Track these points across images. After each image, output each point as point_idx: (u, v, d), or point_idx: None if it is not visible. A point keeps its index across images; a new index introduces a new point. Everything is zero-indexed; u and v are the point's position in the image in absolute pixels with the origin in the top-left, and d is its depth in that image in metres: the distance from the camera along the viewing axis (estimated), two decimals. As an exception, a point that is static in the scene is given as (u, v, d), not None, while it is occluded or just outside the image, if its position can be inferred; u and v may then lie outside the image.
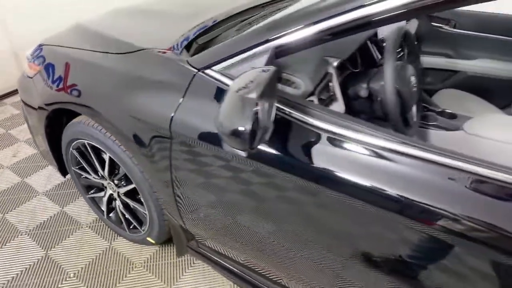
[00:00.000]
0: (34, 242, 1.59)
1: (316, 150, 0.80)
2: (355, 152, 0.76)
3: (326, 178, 0.79)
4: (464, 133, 1.27)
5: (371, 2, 0.69)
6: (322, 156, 0.79)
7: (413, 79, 1.08)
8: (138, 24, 1.40)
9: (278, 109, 0.84)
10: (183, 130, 0.96)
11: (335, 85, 1.00)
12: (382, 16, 0.69)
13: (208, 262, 1.34)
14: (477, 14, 1.84)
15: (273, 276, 1.18)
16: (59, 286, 1.43)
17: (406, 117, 1.11)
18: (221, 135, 0.69)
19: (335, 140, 0.78)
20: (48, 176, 1.97)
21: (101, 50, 1.20)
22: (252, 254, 1.17)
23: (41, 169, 2.03)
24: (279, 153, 0.84)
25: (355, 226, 0.83)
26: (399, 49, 1.27)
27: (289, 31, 0.79)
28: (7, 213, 1.74)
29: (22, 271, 1.47)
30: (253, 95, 0.63)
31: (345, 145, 0.78)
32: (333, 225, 0.87)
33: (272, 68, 0.72)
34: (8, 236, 1.62)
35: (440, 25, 1.91)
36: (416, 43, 1.33)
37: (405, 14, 0.68)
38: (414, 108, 1.16)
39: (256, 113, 0.64)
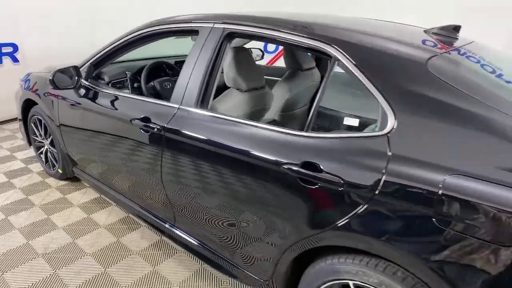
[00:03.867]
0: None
1: (104, 100, 2.04)
2: (109, 99, 2.02)
3: (109, 110, 2.02)
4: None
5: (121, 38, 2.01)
6: (107, 102, 2.00)
7: (166, 84, 2.38)
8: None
9: (91, 87, 2.14)
10: (64, 94, 2.28)
11: (128, 81, 2.34)
12: (126, 43, 1.99)
13: (86, 181, 2.54)
14: None
15: (125, 193, 2.27)
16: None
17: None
18: (48, 81, 1.99)
19: (111, 96, 2.02)
20: (27, 154, 3.33)
21: (46, 71, 2.63)
22: (109, 174, 2.30)
23: (24, 150, 3.40)
24: (93, 102, 2.09)
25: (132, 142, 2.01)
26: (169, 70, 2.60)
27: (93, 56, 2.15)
28: (-4, 166, 3.07)
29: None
30: (54, 70, 1.98)
31: (115, 98, 2.04)
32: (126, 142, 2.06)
33: (72, 65, 2.06)
34: (-8, 174, 2.92)
35: None
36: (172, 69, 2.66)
37: (133, 42, 1.98)
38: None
39: (55, 73, 1.97)
